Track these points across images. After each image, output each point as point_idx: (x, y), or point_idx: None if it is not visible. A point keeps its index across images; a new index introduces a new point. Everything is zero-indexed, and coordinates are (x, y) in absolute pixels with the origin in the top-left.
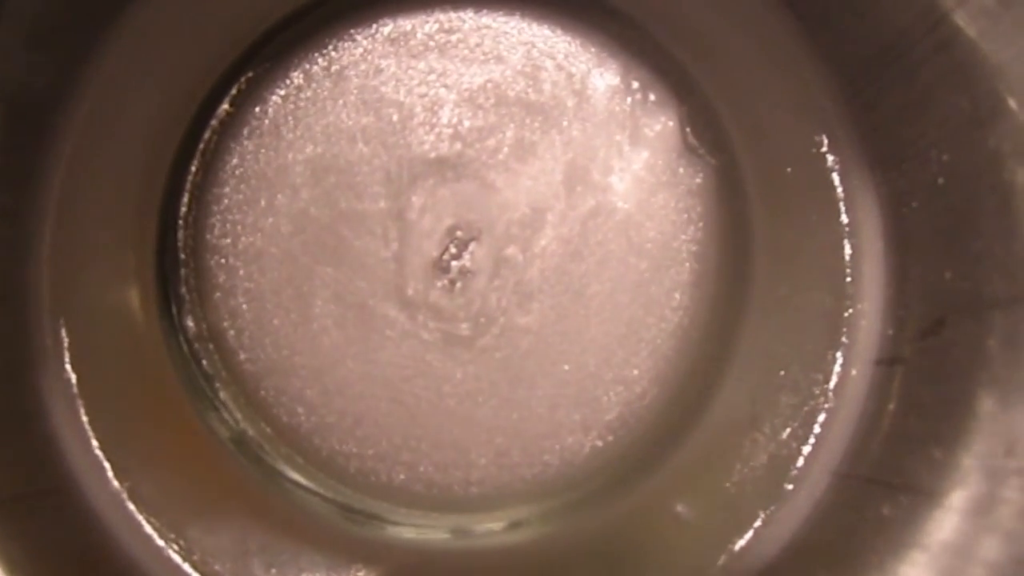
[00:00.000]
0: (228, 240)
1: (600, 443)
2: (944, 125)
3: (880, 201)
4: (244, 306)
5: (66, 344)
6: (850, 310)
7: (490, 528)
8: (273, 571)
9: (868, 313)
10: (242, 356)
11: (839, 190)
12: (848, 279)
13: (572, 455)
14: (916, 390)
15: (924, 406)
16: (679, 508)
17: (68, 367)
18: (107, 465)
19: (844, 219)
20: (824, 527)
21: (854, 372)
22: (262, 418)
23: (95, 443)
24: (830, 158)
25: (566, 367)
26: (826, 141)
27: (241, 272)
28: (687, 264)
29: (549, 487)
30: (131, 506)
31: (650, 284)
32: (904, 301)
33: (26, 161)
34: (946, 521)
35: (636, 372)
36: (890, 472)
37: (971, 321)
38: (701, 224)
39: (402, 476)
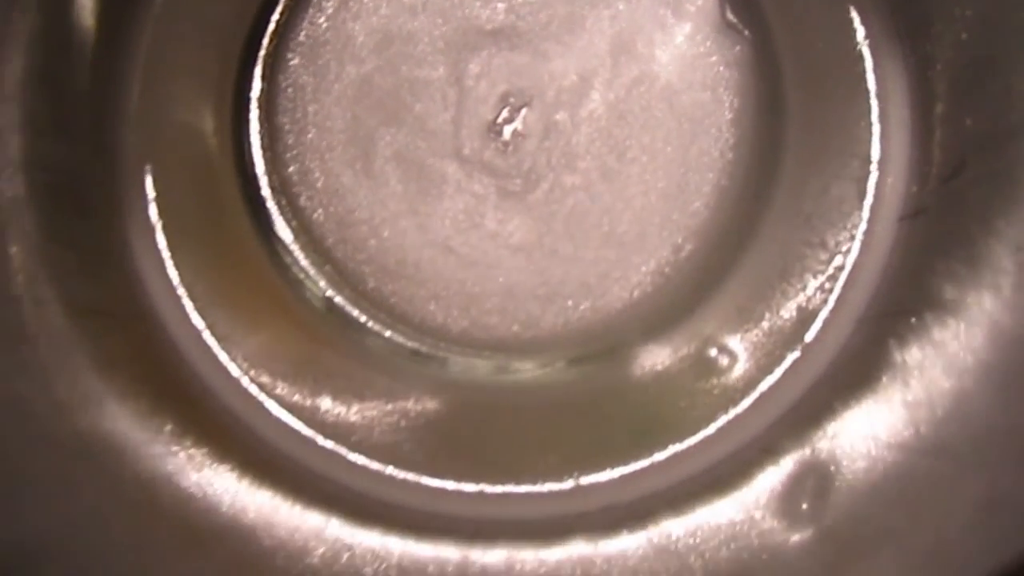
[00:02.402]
0: (298, 105)
1: (638, 293)
2: None
3: (907, 69)
4: (312, 164)
5: (151, 194)
6: (876, 173)
7: (533, 368)
8: (339, 399)
9: (893, 174)
10: (310, 209)
11: (868, 61)
12: (874, 144)
13: (612, 303)
14: (939, 234)
15: (947, 247)
16: (710, 353)
17: (153, 214)
18: (186, 302)
19: (872, 88)
20: (849, 366)
21: (879, 229)
22: (328, 263)
23: (176, 281)
24: (860, 31)
25: (609, 222)
26: (856, 14)
27: (310, 134)
28: (723, 129)
29: (590, 332)
30: (207, 336)
31: (689, 147)
32: (928, 159)
33: (118, 21)
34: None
35: (674, 228)
36: (912, 311)
37: (991, 156)
38: (737, 93)
39: (454, 318)
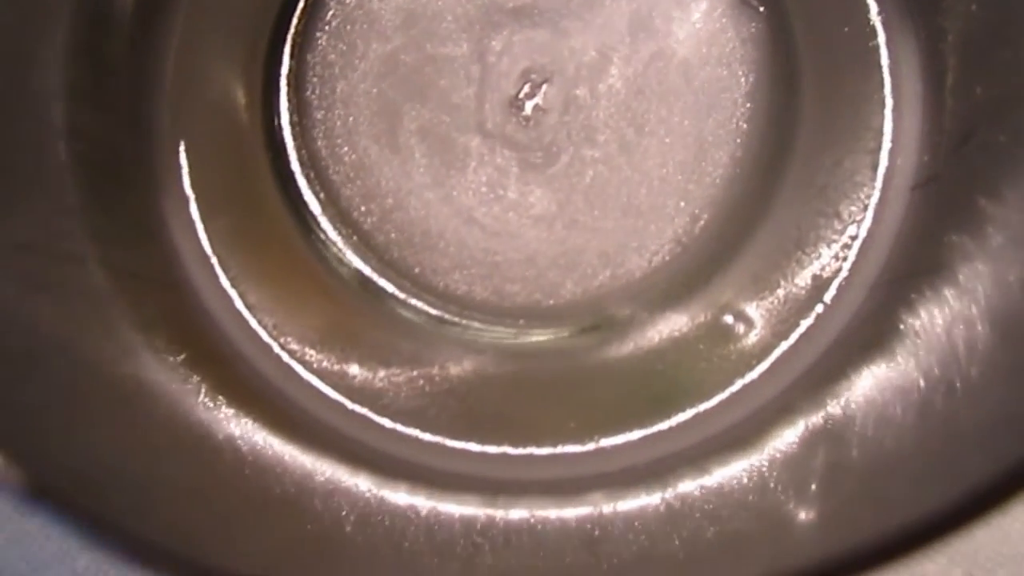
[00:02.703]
0: (326, 81)
1: (656, 262)
2: None
3: (919, 43)
4: (340, 139)
5: (185, 167)
6: (888, 145)
7: (554, 334)
8: (366, 365)
9: (905, 145)
10: (338, 181)
11: (880, 36)
12: (887, 116)
13: (631, 272)
14: (949, 201)
15: (957, 214)
16: (727, 320)
17: (186, 186)
18: (218, 271)
19: (884, 62)
20: (861, 331)
21: (891, 198)
22: (355, 234)
23: (208, 251)
24: (873, 6)
25: (628, 193)
26: None
27: (338, 110)
28: (739, 104)
29: (609, 300)
30: (238, 303)
31: (706, 121)
32: (939, 129)
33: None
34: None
35: (691, 199)
36: (923, 277)
37: (1000, 124)
38: (752, 69)
39: (478, 286)
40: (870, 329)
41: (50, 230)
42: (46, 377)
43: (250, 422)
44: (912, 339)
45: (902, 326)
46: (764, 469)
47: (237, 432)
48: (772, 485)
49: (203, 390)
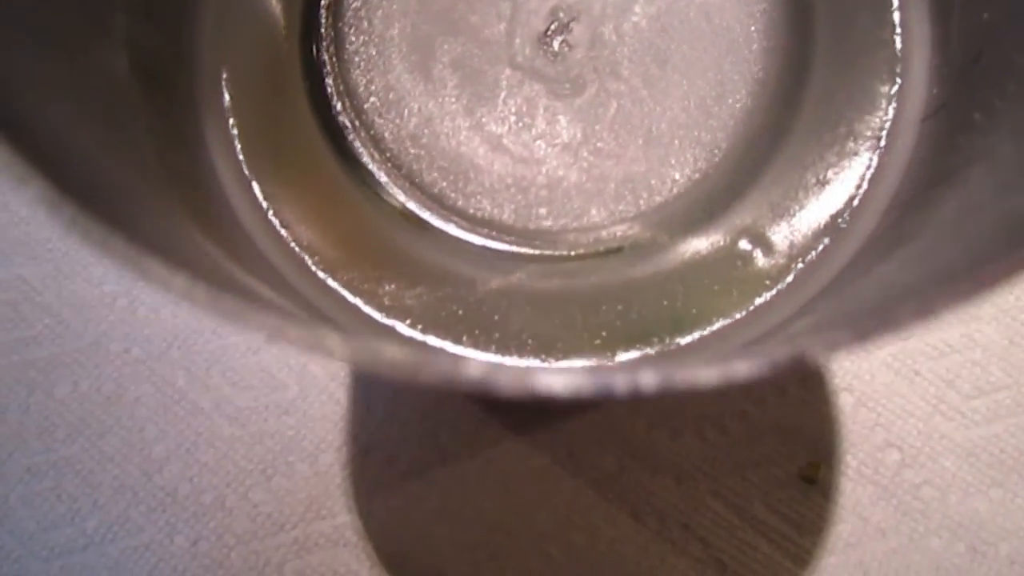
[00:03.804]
0: (364, 14)
1: (677, 188)
2: None
3: None
4: (375, 69)
5: (227, 96)
6: (899, 81)
7: (578, 256)
8: (396, 283)
9: (915, 80)
10: (372, 109)
11: None
12: (898, 46)
13: (653, 197)
14: (956, 127)
15: (964, 139)
16: (745, 244)
17: (227, 110)
18: (256, 187)
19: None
20: (871, 251)
21: (902, 130)
22: (387, 160)
23: (245, 168)
24: None
25: (651, 124)
26: None
27: (374, 41)
28: (758, 39)
29: (632, 224)
30: (274, 222)
31: (725, 55)
32: (947, 61)
33: None
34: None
35: (711, 129)
36: (931, 199)
37: (1005, 47)
38: (770, 8)
39: (505, 211)
40: (881, 247)
41: (118, 121)
42: None
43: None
44: (919, 254)
45: (912, 247)
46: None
47: None
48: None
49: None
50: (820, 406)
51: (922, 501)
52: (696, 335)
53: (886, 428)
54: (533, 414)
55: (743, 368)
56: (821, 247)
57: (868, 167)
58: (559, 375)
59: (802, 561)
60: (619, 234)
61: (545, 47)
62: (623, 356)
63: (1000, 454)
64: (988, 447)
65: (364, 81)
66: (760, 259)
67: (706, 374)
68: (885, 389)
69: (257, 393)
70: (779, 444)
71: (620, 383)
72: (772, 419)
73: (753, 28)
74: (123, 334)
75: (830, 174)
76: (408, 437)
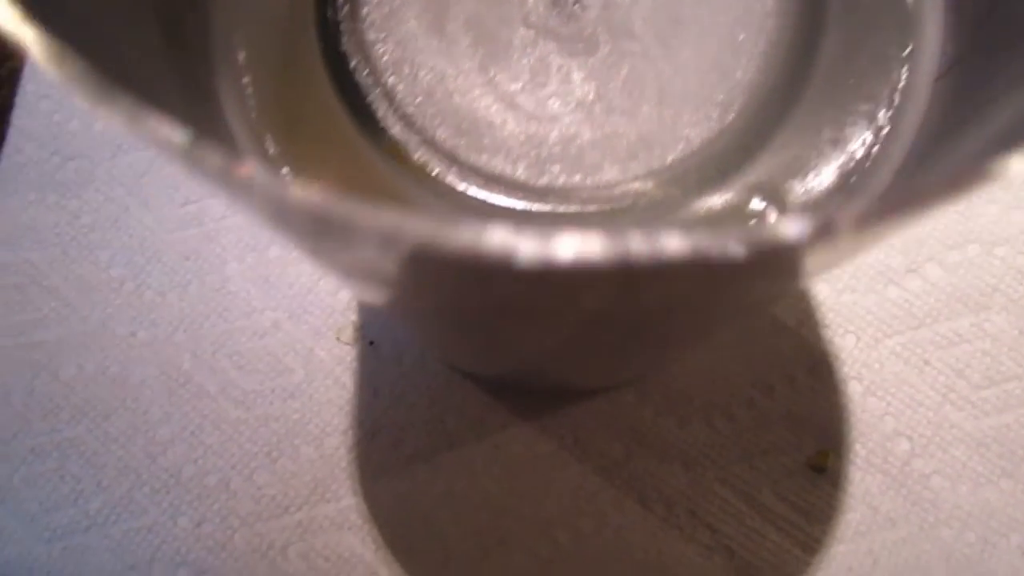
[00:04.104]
0: None
1: (690, 147)
2: None
3: None
4: (389, 27)
5: (241, 53)
6: (912, 41)
7: (591, 213)
8: None
9: (928, 39)
10: (385, 66)
11: None
12: (910, 10)
13: (665, 154)
14: (969, 84)
15: (977, 96)
16: (756, 202)
17: (241, 60)
18: (269, 142)
19: None
20: (884, 210)
21: (915, 91)
22: (402, 118)
23: (256, 120)
24: None
25: (664, 83)
26: None
27: (388, 3)
28: (771, 5)
29: (645, 181)
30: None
31: (740, 17)
32: (960, 18)
33: None
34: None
35: (725, 89)
36: (946, 154)
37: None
38: None
39: (519, 168)
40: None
41: (143, 62)
42: None
43: None
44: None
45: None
46: None
47: None
48: None
49: None
50: (829, 395)
51: (932, 491)
52: None
53: (895, 417)
54: (541, 399)
55: (788, 231)
56: (834, 205)
57: (882, 127)
58: (580, 240)
59: (811, 549)
60: (632, 191)
61: (559, 7)
62: None
63: (1011, 444)
64: (998, 437)
65: (379, 40)
66: (773, 217)
67: (736, 247)
68: (894, 378)
69: (263, 377)
70: (788, 432)
71: (641, 247)
72: (781, 407)
73: None
74: (129, 317)
75: (844, 134)
76: (414, 421)
